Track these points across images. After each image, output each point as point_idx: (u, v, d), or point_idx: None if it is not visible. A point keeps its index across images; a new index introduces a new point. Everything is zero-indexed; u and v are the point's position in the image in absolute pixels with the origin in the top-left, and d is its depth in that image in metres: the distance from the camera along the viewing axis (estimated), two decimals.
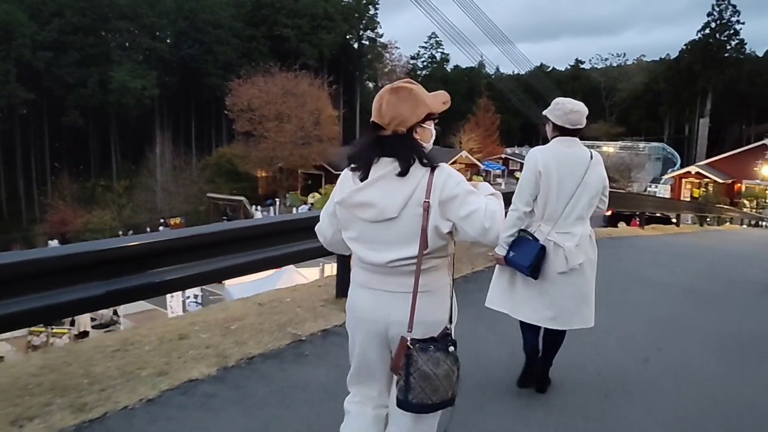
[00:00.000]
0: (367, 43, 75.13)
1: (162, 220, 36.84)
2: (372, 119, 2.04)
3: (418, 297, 1.97)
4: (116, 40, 58.10)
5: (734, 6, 72.76)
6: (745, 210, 43.94)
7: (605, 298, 5.49)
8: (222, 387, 3.53)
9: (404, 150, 1.97)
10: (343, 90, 70.28)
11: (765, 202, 45.35)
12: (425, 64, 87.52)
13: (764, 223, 34.37)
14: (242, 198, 39.13)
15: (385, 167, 1.97)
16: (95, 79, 52.20)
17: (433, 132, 2.12)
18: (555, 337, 3.54)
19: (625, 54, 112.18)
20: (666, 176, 55.87)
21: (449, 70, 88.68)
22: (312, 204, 39.87)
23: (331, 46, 65.13)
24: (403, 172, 1.95)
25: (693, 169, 51.42)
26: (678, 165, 61.85)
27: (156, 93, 54.64)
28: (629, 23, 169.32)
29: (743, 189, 49.08)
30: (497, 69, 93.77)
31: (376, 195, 1.97)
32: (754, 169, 48.83)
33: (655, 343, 4.60)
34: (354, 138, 69.60)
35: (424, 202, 1.93)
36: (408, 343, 1.93)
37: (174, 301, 14.05)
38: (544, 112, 3.43)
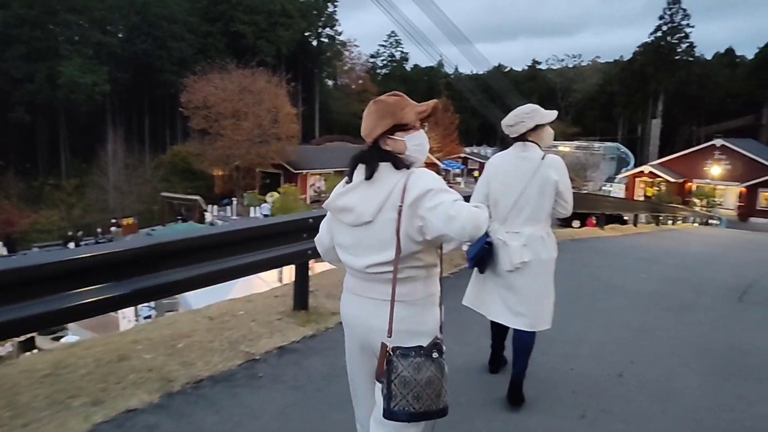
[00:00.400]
0: (326, 40, 74.54)
1: (114, 220, 35.66)
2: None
3: (398, 306, 1.98)
4: (65, 33, 55.81)
5: (684, 10, 74.83)
6: (696, 209, 45.11)
7: (575, 306, 5.31)
8: (164, 417, 3.17)
9: (375, 156, 2.05)
10: (302, 88, 69.57)
11: (714, 201, 46.62)
12: (385, 62, 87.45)
13: (714, 221, 35.27)
14: (198, 197, 38.25)
15: (361, 173, 2.05)
16: (43, 74, 50.19)
17: (412, 143, 2.09)
18: (521, 341, 3.51)
19: (580, 55, 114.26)
20: (620, 175, 57.01)
21: (409, 69, 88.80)
22: (272, 203, 39.31)
23: (289, 44, 64.31)
24: (367, 176, 2.02)
25: (646, 168, 52.54)
26: (632, 165, 63.20)
27: (107, 89, 52.88)
28: (584, 25, 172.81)
29: (694, 188, 50.37)
30: (456, 69, 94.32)
31: (355, 199, 2.03)
32: (704, 169, 50.18)
33: (629, 355, 4.41)
34: (313, 137, 69.23)
35: (399, 206, 1.95)
36: (388, 350, 1.93)
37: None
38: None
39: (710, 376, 4.08)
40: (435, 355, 1.95)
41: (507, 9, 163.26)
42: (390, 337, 1.96)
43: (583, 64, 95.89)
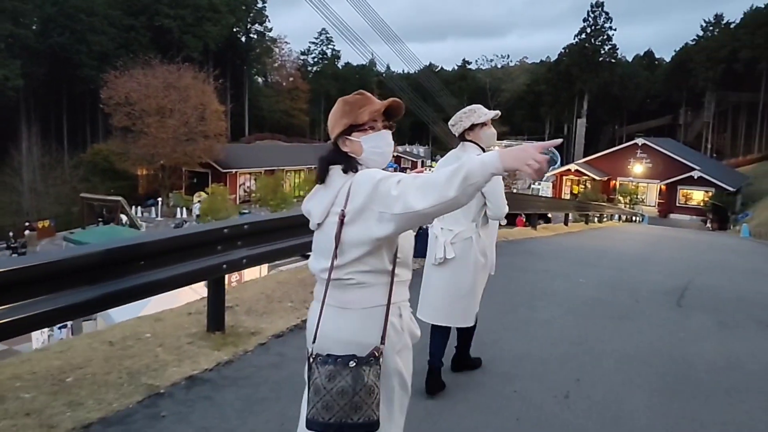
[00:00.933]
0: (255, 36, 73.03)
1: (28, 224, 33.50)
2: None
3: (337, 312, 1.92)
4: None
5: (607, 13, 77.52)
6: (620, 206, 46.61)
7: (513, 317, 4.99)
8: None
9: (325, 159, 2.00)
10: (231, 85, 67.86)
11: (637, 198, 48.33)
12: (316, 60, 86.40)
13: (637, 218, 36.44)
14: (120, 198, 36.41)
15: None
16: None
17: (368, 144, 1.99)
18: (461, 338, 3.84)
19: (509, 56, 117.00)
20: (548, 174, 58.30)
21: (340, 67, 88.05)
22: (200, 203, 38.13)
23: (216, 39, 62.57)
24: (318, 179, 2.00)
25: (572, 167, 53.95)
26: (558, 163, 64.65)
27: (20, 84, 49.90)
28: (512, 26, 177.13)
29: (618, 186, 52.08)
30: (388, 67, 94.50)
31: (313, 203, 2.01)
32: (627, 167, 51.98)
33: (573, 372, 4.11)
34: (243, 135, 67.69)
35: (341, 210, 1.87)
36: (309, 355, 1.89)
37: None
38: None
39: (657, 395, 3.82)
40: (352, 364, 1.82)
41: (437, 9, 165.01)
42: (314, 342, 1.92)
43: (512, 64, 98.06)
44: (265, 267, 20.88)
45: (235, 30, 69.06)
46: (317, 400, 1.80)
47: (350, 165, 1.95)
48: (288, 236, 4.86)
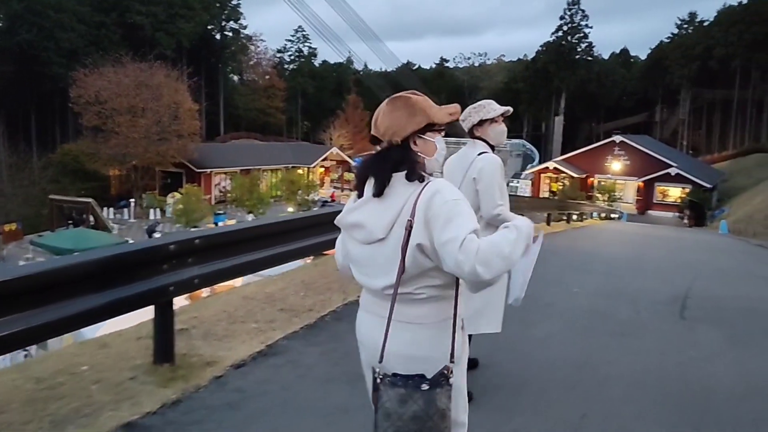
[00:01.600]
0: (230, 34, 71.84)
1: None
2: (371, 132, 1.95)
3: (404, 328, 1.84)
4: None
5: (583, 11, 77.78)
6: (599, 203, 46.58)
7: (506, 334, 4.44)
8: None
9: (386, 166, 1.87)
10: (206, 83, 66.75)
11: (615, 195, 48.34)
12: (292, 58, 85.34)
13: (615, 215, 36.33)
14: (90, 200, 35.28)
15: (371, 188, 1.89)
16: None
17: (440, 146, 1.98)
18: None
19: (486, 53, 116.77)
20: (526, 171, 58.16)
21: (317, 65, 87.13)
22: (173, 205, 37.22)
23: (190, 36, 61.39)
24: (377, 193, 1.85)
25: (551, 164, 53.87)
26: (537, 161, 64.76)
27: None
28: (490, 25, 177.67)
29: (596, 183, 52.10)
30: (366, 65, 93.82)
31: (365, 215, 1.89)
32: (605, 164, 52.02)
33: (578, 405, 3.57)
34: (218, 134, 66.58)
35: (408, 220, 1.80)
36: (376, 375, 1.82)
37: None
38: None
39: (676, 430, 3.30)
40: (425, 387, 1.74)
41: (415, 7, 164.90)
42: (381, 362, 1.82)
43: (489, 62, 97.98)
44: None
45: (209, 27, 67.91)
46: (387, 425, 1.72)
47: (416, 170, 1.85)
48: (252, 249, 4.28)
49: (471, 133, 3.50)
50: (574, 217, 21.55)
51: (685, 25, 79.79)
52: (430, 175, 1.91)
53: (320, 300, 5.20)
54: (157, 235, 31.62)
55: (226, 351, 4.00)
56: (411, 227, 1.77)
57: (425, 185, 1.82)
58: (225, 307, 5.00)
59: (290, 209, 40.18)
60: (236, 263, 4.05)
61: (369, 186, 1.89)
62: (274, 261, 4.59)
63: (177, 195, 37.40)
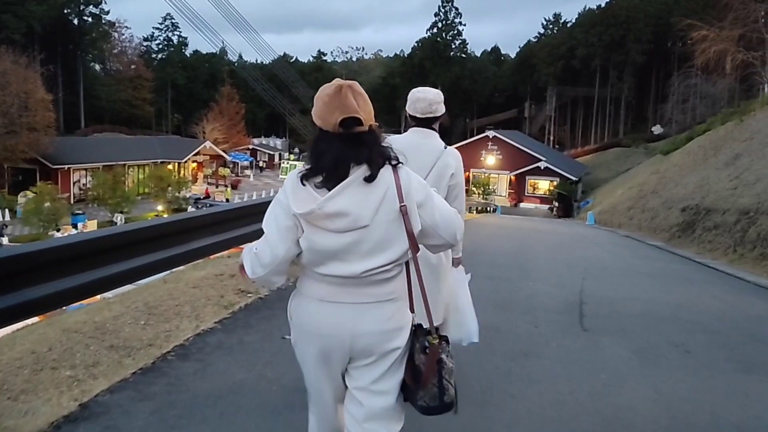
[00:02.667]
0: (89, 19, 66.44)
1: None
2: (345, 116, 1.85)
3: (376, 307, 1.93)
4: None
5: (457, 8, 79.79)
6: (474, 197, 47.73)
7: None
8: None
9: (376, 150, 1.89)
10: (63, 72, 61.47)
11: (489, 189, 49.78)
12: (161, 47, 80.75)
13: (490, 209, 37.29)
14: None
15: (360, 172, 1.86)
16: None
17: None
18: None
19: (363, 48, 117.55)
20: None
21: (188, 55, 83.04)
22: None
23: (42, 20, 56.02)
24: (372, 177, 1.85)
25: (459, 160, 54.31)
26: None
27: None
28: (368, 20, 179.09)
29: (471, 177, 53.44)
30: (240, 56, 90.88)
31: (348, 203, 1.83)
32: (480, 159, 53.46)
33: None
34: (79, 127, 61.52)
35: (402, 206, 1.86)
36: (439, 349, 1.92)
37: None
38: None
39: None
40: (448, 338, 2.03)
41: (294, 1, 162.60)
42: (435, 335, 1.95)
43: (367, 57, 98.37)
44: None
45: (66, 11, 62.44)
46: (453, 380, 1.94)
47: (393, 157, 1.94)
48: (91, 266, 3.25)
49: (427, 123, 3.16)
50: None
51: (551, 26, 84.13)
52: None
53: (165, 330, 4.19)
54: (4, 240, 28.40)
55: (17, 418, 2.93)
56: (407, 212, 1.86)
57: (394, 168, 1.90)
58: (36, 345, 3.86)
59: (159, 207, 37.68)
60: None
61: (356, 171, 1.85)
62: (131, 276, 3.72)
63: (29, 193, 33.88)
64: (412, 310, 2.02)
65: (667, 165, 28.12)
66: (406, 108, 3.23)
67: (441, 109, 3.18)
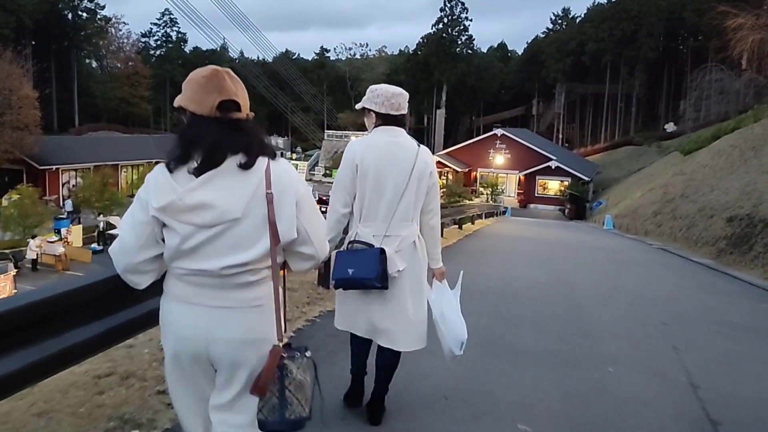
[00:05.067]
0: (84, 14, 64.40)
1: None
2: (224, 98, 1.77)
3: (236, 313, 1.80)
4: None
5: (463, 3, 77.49)
6: (483, 198, 45.71)
7: None
8: None
9: (255, 139, 1.81)
10: (56, 68, 59.58)
11: (498, 189, 47.66)
12: (159, 43, 78.72)
13: (499, 210, 35.14)
14: None
15: (234, 161, 1.76)
16: None
17: None
18: (385, 359, 3.08)
19: (367, 44, 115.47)
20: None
21: (188, 52, 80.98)
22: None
23: (33, 14, 53.99)
24: (248, 165, 1.75)
25: (434, 158, 52.42)
26: None
27: None
28: (372, 18, 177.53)
29: (479, 177, 51.39)
30: (242, 53, 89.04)
31: (214, 194, 1.72)
32: (488, 158, 51.40)
33: None
34: (73, 125, 59.56)
35: (268, 193, 1.75)
36: (281, 353, 1.77)
37: None
38: (361, 104, 3.04)
39: None
40: (308, 353, 1.85)
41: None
42: (281, 340, 1.80)
43: (371, 53, 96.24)
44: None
45: (59, 6, 60.40)
46: (301, 396, 1.78)
47: (270, 147, 1.87)
48: None
49: (401, 121, 2.99)
50: (472, 222, 19.45)
51: (560, 21, 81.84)
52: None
53: None
54: None
55: None
56: (272, 199, 1.75)
57: (267, 159, 1.80)
58: None
59: None
60: None
61: (229, 160, 1.74)
62: None
63: (14, 195, 31.96)
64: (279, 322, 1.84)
65: (693, 166, 25.93)
66: (371, 106, 2.99)
67: (405, 107, 3.03)
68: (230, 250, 1.73)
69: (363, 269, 2.80)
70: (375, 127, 2.99)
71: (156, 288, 1.90)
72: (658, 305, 6.97)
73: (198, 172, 1.70)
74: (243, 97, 1.80)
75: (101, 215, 31.23)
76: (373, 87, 3.06)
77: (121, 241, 1.83)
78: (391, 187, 2.88)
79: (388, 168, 2.88)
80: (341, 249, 2.97)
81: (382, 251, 2.83)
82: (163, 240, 1.78)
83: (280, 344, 1.77)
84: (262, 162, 1.76)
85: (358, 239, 2.91)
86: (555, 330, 5.24)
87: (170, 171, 1.74)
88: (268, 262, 1.78)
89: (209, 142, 1.71)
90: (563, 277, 8.82)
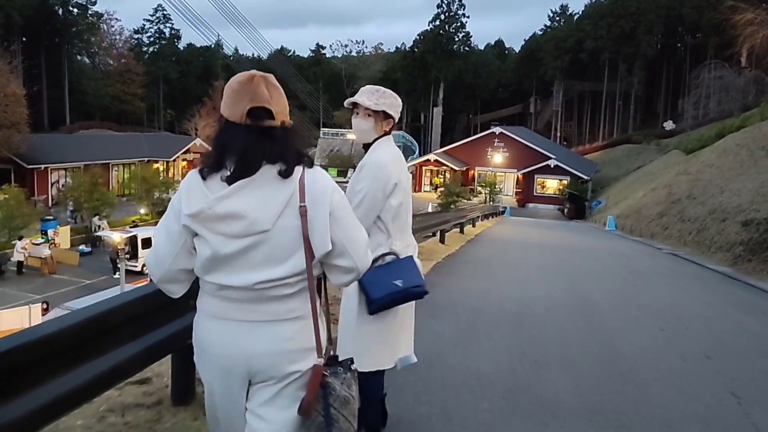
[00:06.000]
0: (76, 10, 63.32)
1: None
2: (254, 105, 1.71)
3: (272, 326, 1.74)
4: None
5: (460, 0, 76.55)
6: (481, 197, 44.99)
7: None
8: None
9: (290, 147, 1.74)
10: (47, 65, 58.55)
11: (496, 188, 46.88)
12: (152, 39, 77.62)
13: (499, 210, 34.40)
14: None
15: (271, 171, 1.71)
16: None
17: None
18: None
19: (363, 41, 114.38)
20: (407, 164, 55.69)
21: (181, 49, 79.93)
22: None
23: (22, 10, 52.94)
24: (288, 173, 1.70)
25: (432, 157, 51.79)
26: (417, 153, 62.76)
27: None
28: (370, 16, 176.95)
29: (477, 176, 50.67)
30: (236, 50, 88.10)
31: (245, 203, 1.66)
32: (486, 156, 50.67)
33: None
34: (64, 123, 58.54)
35: (301, 206, 1.69)
36: (323, 371, 1.75)
37: None
38: (379, 107, 2.75)
39: None
40: (353, 366, 1.81)
41: None
42: (320, 358, 1.76)
43: (367, 51, 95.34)
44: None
45: (49, 2, 59.32)
46: (347, 412, 1.76)
47: (306, 156, 1.80)
48: None
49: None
50: (473, 225, 18.68)
51: (558, 18, 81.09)
52: None
53: None
54: None
55: None
56: (306, 212, 1.69)
57: (305, 168, 1.74)
58: None
59: (142, 210, 34.82)
60: None
61: (265, 169, 1.68)
62: None
63: (1, 195, 31.07)
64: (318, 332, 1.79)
65: (698, 165, 25.20)
66: (392, 112, 2.79)
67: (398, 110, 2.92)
68: (263, 264, 1.68)
69: (410, 279, 2.66)
70: (387, 134, 2.82)
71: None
72: (693, 330, 6.19)
73: (231, 180, 1.66)
74: (278, 104, 1.74)
75: (96, 216, 30.43)
76: (386, 91, 2.84)
77: (155, 251, 1.81)
78: (409, 195, 2.88)
79: (406, 178, 2.83)
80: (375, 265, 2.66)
81: (412, 257, 2.78)
82: (195, 250, 1.74)
83: (322, 360, 1.75)
84: (297, 172, 1.70)
85: (392, 252, 2.75)
86: (589, 373, 4.41)
87: (203, 178, 1.70)
88: (305, 275, 1.72)
89: (239, 149, 1.67)
90: (581, 293, 8.03)
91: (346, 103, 2.89)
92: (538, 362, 4.55)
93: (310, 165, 1.74)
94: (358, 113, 2.81)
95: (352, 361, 1.81)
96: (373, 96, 2.78)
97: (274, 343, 1.72)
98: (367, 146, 2.82)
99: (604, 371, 4.50)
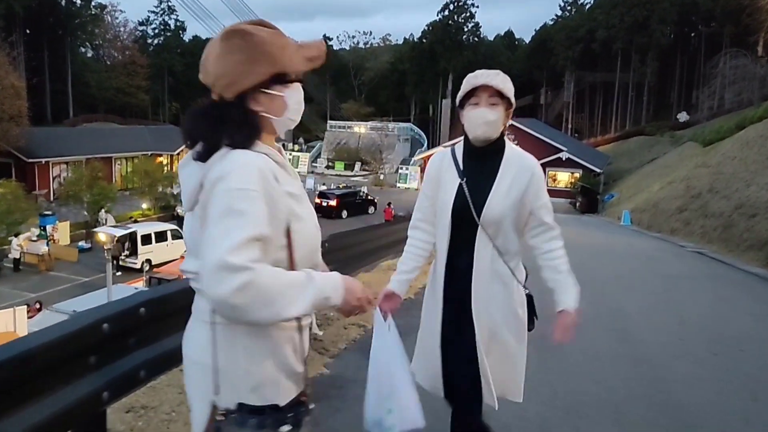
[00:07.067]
0: (78, 1, 62.48)
1: None
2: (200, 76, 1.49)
3: (203, 326, 1.42)
4: None
5: None
6: None
7: None
8: None
9: (215, 126, 1.41)
10: (50, 57, 57.89)
11: None
12: (157, 31, 76.75)
13: None
14: None
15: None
16: None
17: (292, 101, 1.51)
18: None
19: (371, 32, 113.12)
20: (415, 157, 54.75)
21: (187, 41, 79.02)
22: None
23: (25, 1, 52.18)
24: (202, 156, 1.40)
25: (439, 149, 50.77)
26: (425, 146, 61.77)
27: None
28: (378, 8, 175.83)
29: None
30: None
31: (185, 176, 1.47)
32: None
33: None
34: (67, 116, 57.90)
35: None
36: (218, 414, 1.35)
37: None
38: (508, 91, 2.31)
39: None
40: (286, 428, 1.35)
41: None
42: (218, 393, 1.35)
43: (374, 41, 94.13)
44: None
45: None
46: None
47: (250, 136, 1.41)
48: None
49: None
50: None
51: (569, 7, 79.62)
52: (279, 139, 1.50)
53: None
54: None
55: None
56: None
57: (225, 153, 1.38)
58: None
59: (144, 205, 34.06)
60: None
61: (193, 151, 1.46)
62: None
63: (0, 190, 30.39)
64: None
65: (718, 158, 24.09)
66: (513, 101, 2.37)
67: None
68: (187, 252, 1.51)
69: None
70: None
71: None
72: (751, 354, 5.22)
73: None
74: (215, 73, 1.41)
75: (102, 210, 29.74)
76: (504, 74, 2.35)
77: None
78: None
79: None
80: None
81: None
82: None
83: (217, 395, 1.35)
84: (218, 154, 1.38)
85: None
86: (636, 419, 3.50)
87: None
88: None
89: (188, 127, 1.46)
90: (611, 305, 7.05)
91: (463, 89, 2.29)
92: (573, 407, 3.61)
93: (238, 145, 1.37)
94: (477, 103, 2.27)
95: (290, 419, 1.36)
96: (497, 78, 2.28)
97: (189, 347, 1.47)
98: (481, 147, 2.27)
99: (655, 416, 3.54)
